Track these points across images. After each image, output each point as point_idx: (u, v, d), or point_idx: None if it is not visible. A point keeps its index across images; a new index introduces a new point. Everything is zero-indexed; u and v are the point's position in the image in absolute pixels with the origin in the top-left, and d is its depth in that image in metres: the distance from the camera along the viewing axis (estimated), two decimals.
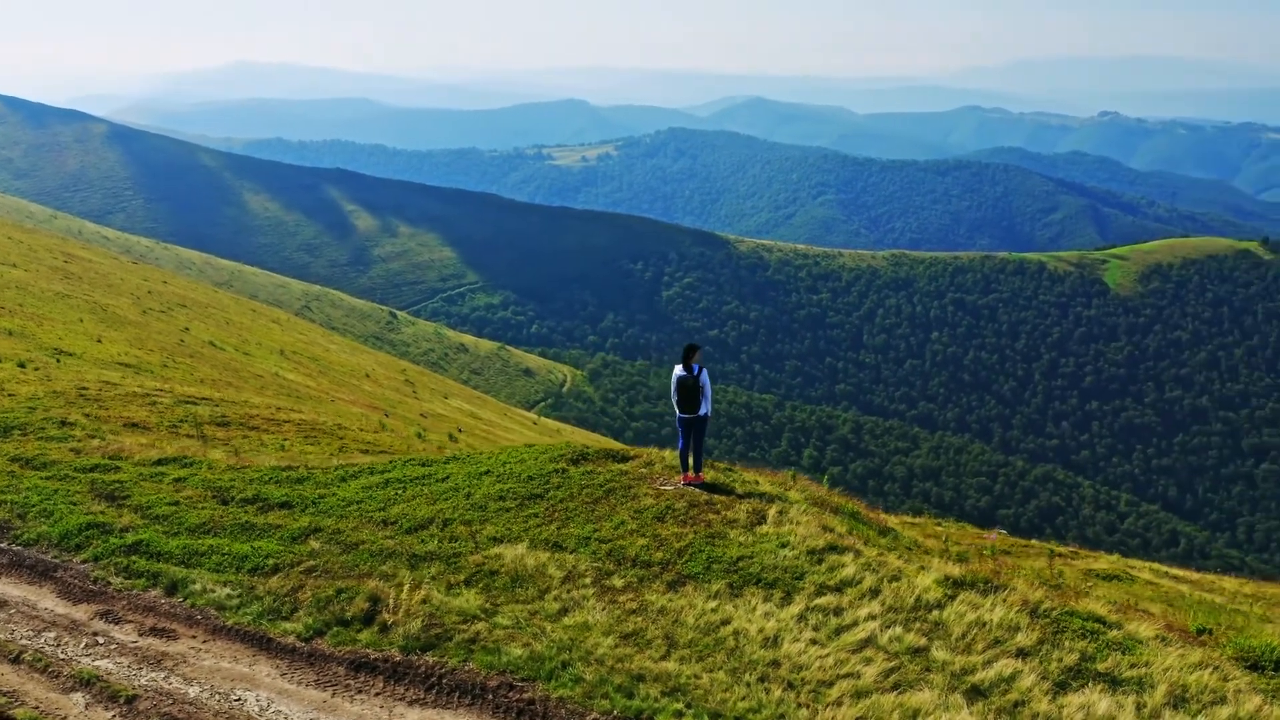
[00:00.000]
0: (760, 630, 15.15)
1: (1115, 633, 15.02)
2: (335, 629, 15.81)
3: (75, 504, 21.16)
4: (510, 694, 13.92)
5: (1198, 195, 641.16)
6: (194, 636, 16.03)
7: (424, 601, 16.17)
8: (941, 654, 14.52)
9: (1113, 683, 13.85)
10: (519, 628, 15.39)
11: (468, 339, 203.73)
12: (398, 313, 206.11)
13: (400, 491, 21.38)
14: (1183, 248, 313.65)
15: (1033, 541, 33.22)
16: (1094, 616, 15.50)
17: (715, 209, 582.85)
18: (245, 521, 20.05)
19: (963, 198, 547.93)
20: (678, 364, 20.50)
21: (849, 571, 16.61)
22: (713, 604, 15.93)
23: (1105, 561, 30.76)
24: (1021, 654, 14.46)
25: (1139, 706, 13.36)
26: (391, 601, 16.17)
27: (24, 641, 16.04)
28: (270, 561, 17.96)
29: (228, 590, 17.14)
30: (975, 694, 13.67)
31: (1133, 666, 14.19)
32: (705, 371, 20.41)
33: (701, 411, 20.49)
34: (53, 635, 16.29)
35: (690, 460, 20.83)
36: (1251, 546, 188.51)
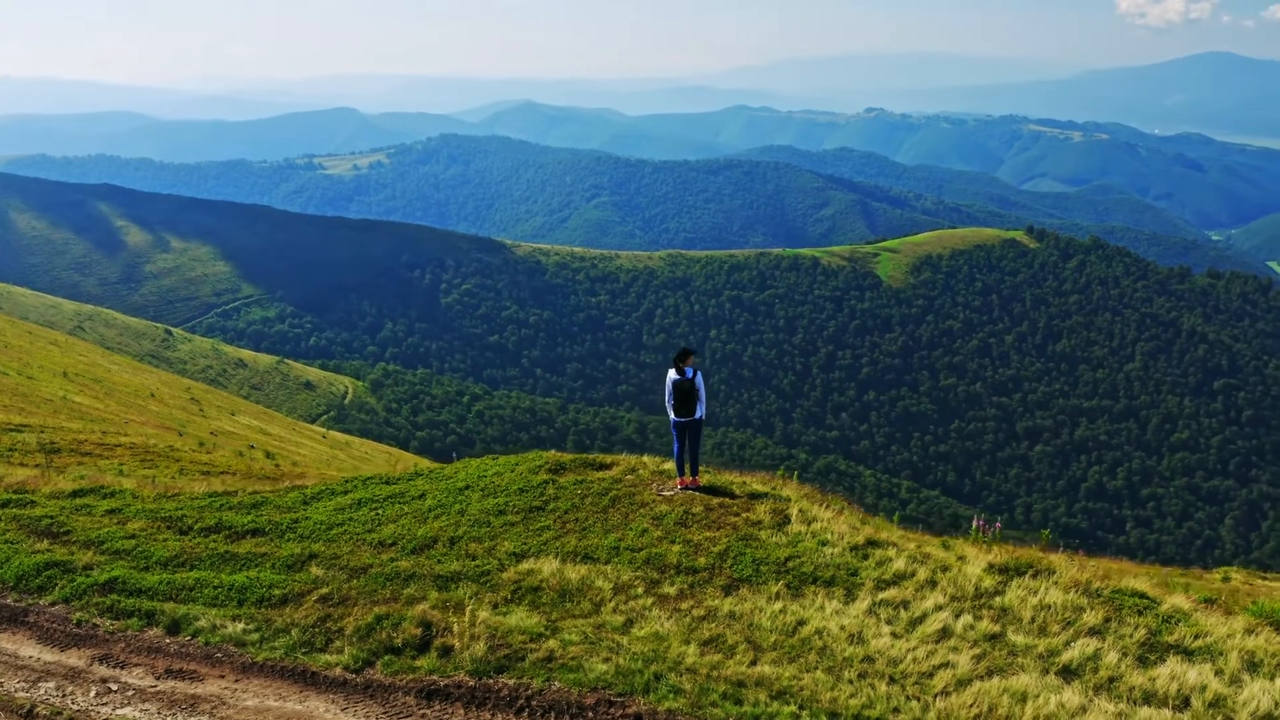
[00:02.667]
0: (842, 628, 15.31)
1: (1163, 607, 15.76)
2: (386, 657, 15.18)
3: (14, 543, 20.10)
4: (612, 710, 13.52)
5: (963, 187, 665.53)
6: (222, 676, 15.23)
7: (481, 623, 15.71)
8: (1019, 638, 14.97)
9: (1186, 654, 14.53)
10: (591, 643, 15.08)
11: (246, 354, 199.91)
12: (173, 330, 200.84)
13: (379, 512, 20.96)
14: (951, 239, 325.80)
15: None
16: (1138, 593, 16.17)
17: (490, 214, 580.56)
18: (224, 551, 19.27)
19: (735, 196, 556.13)
20: (670, 369, 20.52)
21: (900, 565, 16.97)
22: (778, 605, 15.99)
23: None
24: (1095, 633, 15.00)
25: (1218, 673, 13.99)
26: (454, 626, 15.64)
27: (22, 695, 15.02)
28: (276, 592, 17.26)
29: (242, 625, 16.36)
30: (1068, 674, 14.10)
31: (1196, 638, 14.88)
32: (700, 374, 20.45)
33: (697, 414, 20.52)
34: (52, 685, 15.31)
35: (686, 464, 20.84)
36: (1030, 527, 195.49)
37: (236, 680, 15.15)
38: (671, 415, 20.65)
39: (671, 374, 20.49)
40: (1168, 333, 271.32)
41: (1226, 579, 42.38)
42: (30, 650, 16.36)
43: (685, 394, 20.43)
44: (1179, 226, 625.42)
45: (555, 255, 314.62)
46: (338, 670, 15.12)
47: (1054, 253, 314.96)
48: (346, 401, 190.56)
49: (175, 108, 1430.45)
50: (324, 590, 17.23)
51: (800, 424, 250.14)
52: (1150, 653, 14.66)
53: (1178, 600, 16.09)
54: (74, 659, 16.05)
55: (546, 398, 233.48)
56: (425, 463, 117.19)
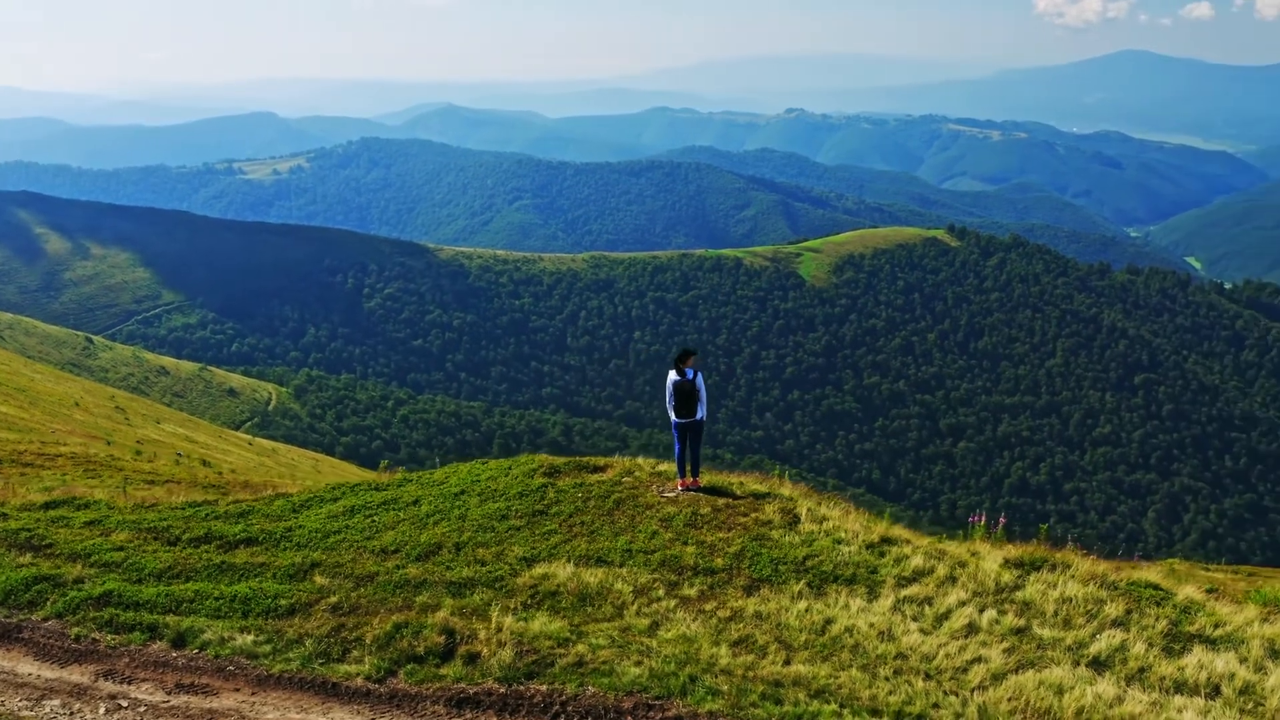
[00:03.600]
0: (871, 625, 15.32)
1: (1178, 598, 16.00)
2: (409, 666, 14.92)
3: None
4: (651, 714, 13.38)
5: (884, 187, 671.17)
6: (237, 690, 14.86)
7: (506, 629, 15.49)
8: (1045, 631, 15.10)
9: (1209, 643, 14.76)
10: (620, 646, 14.88)
11: (168, 361, 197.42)
12: (94, 338, 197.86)
13: (374, 519, 20.63)
14: (873, 238, 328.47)
15: None
16: (1152, 585, 16.40)
17: (412, 218, 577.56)
18: (220, 562, 18.85)
19: (657, 197, 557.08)
20: (670, 370, 20.46)
21: (918, 562, 17.05)
22: (803, 604, 15.99)
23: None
24: (1118, 624, 15.19)
25: (1243, 661, 14.26)
26: (479, 632, 15.40)
27: (27, 713, 14.57)
28: (283, 602, 16.87)
29: (252, 636, 15.97)
30: (1099, 665, 14.25)
31: (1217, 627, 15.15)
32: (700, 375, 20.42)
33: (698, 415, 20.43)
34: (58, 702, 14.85)
35: (687, 465, 20.73)
36: (955, 524, 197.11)
37: (253, 693, 14.83)
38: (672, 417, 20.58)
39: (672, 375, 20.43)
40: (1088, 329, 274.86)
41: (1172, 571, 42.73)
42: (28, 667, 15.89)
43: (686, 395, 20.38)
44: (1098, 224, 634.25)
45: (478, 258, 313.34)
46: (359, 680, 14.81)
47: (975, 251, 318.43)
48: (270, 408, 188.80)
49: (92, 113, 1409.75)
50: (332, 599, 16.91)
51: (725, 424, 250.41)
52: (1174, 643, 14.83)
53: (1190, 591, 16.30)
54: (77, 675, 15.59)
55: (471, 401, 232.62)
56: (351, 468, 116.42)
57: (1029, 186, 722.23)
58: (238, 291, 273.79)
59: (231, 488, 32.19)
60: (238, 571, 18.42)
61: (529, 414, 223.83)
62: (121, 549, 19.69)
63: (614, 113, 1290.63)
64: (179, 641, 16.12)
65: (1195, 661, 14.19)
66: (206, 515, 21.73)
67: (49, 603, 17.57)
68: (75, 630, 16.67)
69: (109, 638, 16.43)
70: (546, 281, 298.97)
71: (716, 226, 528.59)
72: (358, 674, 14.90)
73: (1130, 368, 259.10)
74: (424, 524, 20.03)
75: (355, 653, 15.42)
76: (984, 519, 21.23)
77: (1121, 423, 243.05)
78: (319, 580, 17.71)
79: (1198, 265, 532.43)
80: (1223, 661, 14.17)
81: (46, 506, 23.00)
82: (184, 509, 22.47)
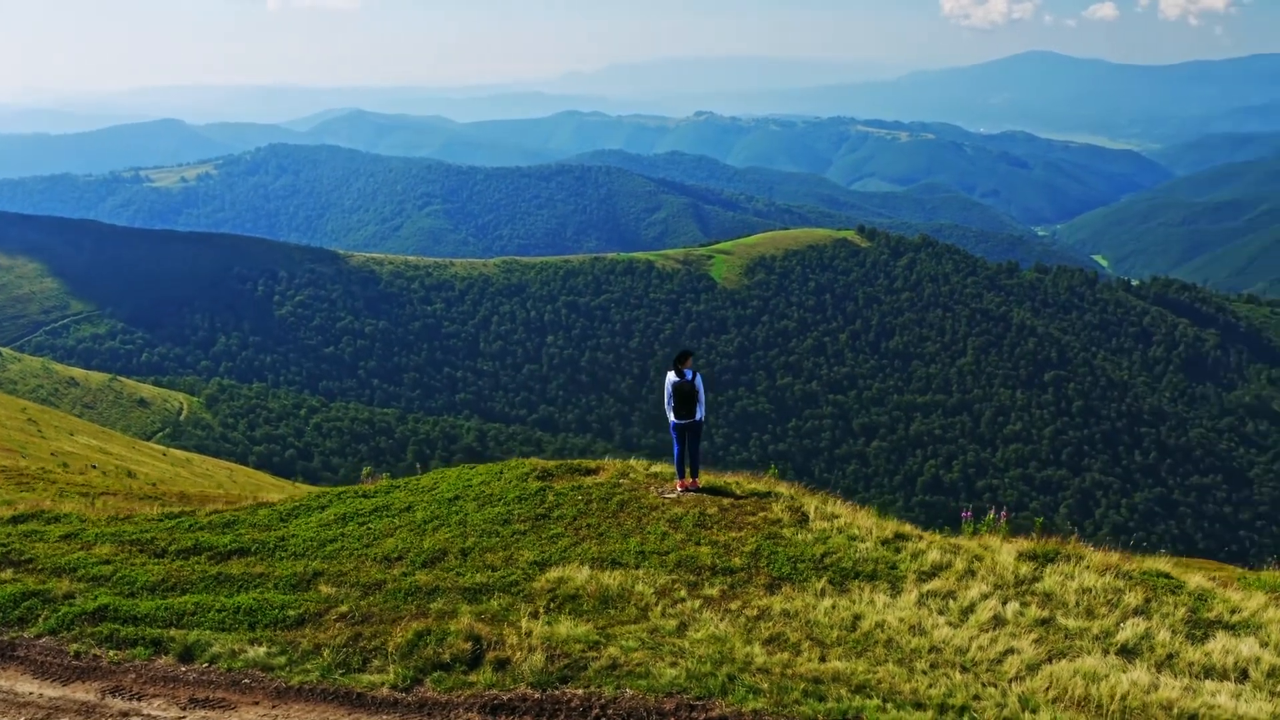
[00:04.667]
0: (901, 620, 15.38)
1: (1190, 586, 16.23)
2: (436, 674, 14.65)
3: None
4: (694, 714, 13.24)
5: (793, 189, 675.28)
6: (256, 703, 14.49)
7: (531, 634, 15.28)
8: (1070, 622, 15.26)
9: (1229, 628, 15.04)
10: (652, 648, 14.76)
11: (78, 372, 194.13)
12: (2, 349, 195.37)
13: (369, 526, 20.30)
14: (784, 240, 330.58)
15: None
16: (1162, 574, 16.65)
17: (322, 224, 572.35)
18: (217, 573, 18.42)
19: (568, 201, 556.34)
20: (669, 371, 20.52)
21: (935, 556, 17.18)
22: (828, 602, 16.01)
23: None
24: (1139, 613, 15.40)
25: (1264, 644, 14.54)
26: (507, 638, 15.15)
27: None
28: (291, 612, 16.54)
29: (264, 648, 15.60)
30: (1127, 653, 14.44)
31: (1233, 613, 15.43)
32: (699, 376, 20.48)
33: (697, 416, 20.51)
34: None
35: (686, 466, 20.81)
36: None
37: (274, 706, 14.47)
38: (671, 418, 20.60)
39: (671, 376, 20.45)
40: (998, 327, 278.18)
41: None
42: (28, 686, 15.40)
43: (686, 396, 20.43)
44: (1005, 223, 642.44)
45: (389, 264, 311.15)
46: (384, 690, 14.54)
47: (885, 251, 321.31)
48: (182, 418, 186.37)
49: None
50: (342, 608, 16.62)
51: (639, 427, 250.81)
52: (1196, 629, 15.08)
53: (1199, 579, 16.56)
54: (82, 693, 15.12)
55: (384, 408, 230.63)
56: (266, 477, 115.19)
57: (937, 187, 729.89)
58: (147, 300, 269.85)
59: (169, 499, 31.57)
60: (236, 582, 18.05)
61: (443, 420, 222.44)
62: (109, 562, 19.22)
63: (523, 117, 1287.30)
64: (186, 655, 15.78)
65: (1220, 647, 14.39)
66: (190, 526, 21.31)
67: (40, 619, 17.12)
68: (74, 647, 16.22)
69: (111, 653, 15.99)
70: (458, 287, 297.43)
71: (628, 230, 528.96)
72: (382, 683, 14.66)
73: (1040, 365, 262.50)
74: (423, 530, 19.75)
75: (377, 662, 15.17)
76: (971, 515, 21.19)
77: (1032, 419, 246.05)
78: (324, 589, 17.40)
79: (1105, 263, 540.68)
80: (1246, 646, 14.38)
81: (15, 520, 22.43)
82: (162, 520, 21.95)
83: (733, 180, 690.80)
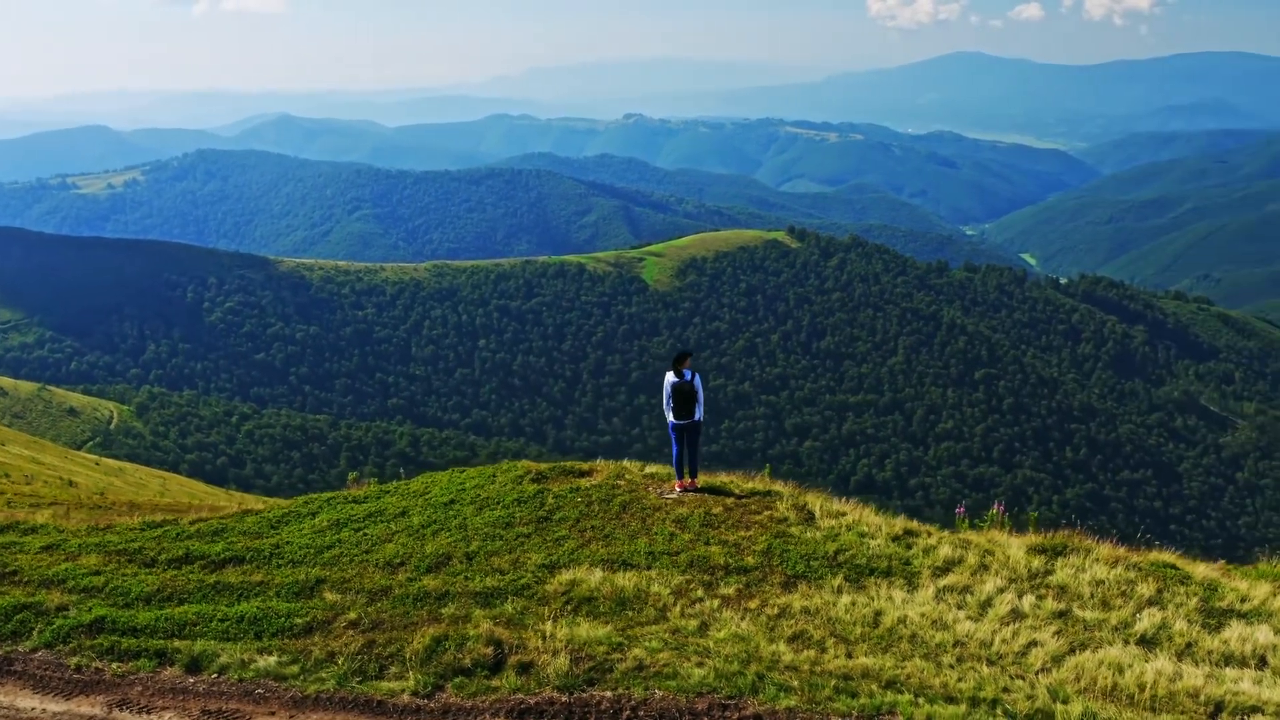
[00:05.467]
0: (922, 615, 15.46)
1: (1198, 576, 16.44)
2: (458, 680, 14.52)
3: None
4: (727, 714, 13.20)
5: (723, 190, 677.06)
6: (272, 714, 14.27)
7: (553, 637, 15.19)
8: (1087, 613, 15.39)
9: (1242, 617, 15.22)
10: (676, 649, 14.71)
11: (6, 381, 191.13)
12: None
13: (365, 532, 20.07)
14: (715, 241, 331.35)
15: None
16: (1169, 564, 16.83)
17: (250, 230, 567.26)
18: (214, 582, 18.15)
19: (497, 205, 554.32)
20: (668, 372, 20.47)
21: (946, 552, 17.32)
22: (847, 598, 16.04)
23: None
24: (1154, 603, 15.56)
25: (1277, 631, 14.77)
26: (529, 641, 15.04)
27: None
28: (297, 621, 16.30)
29: (275, 658, 15.38)
30: (1147, 643, 14.60)
31: (1244, 601, 15.63)
32: (698, 376, 20.53)
33: (696, 417, 20.56)
34: None
35: (685, 467, 20.91)
36: None
37: (291, 716, 14.28)
38: (670, 418, 20.66)
39: (670, 377, 20.44)
40: (929, 326, 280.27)
41: None
42: (30, 701, 15.07)
43: (685, 396, 20.47)
44: (934, 223, 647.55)
45: (319, 270, 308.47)
46: (405, 697, 14.39)
47: (815, 252, 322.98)
48: (112, 427, 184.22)
49: None
50: (350, 615, 16.40)
51: (573, 430, 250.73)
52: (1210, 618, 15.27)
53: (1205, 569, 16.82)
54: (87, 707, 14.81)
55: (317, 415, 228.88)
56: (199, 485, 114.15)
57: (866, 187, 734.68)
58: (75, 308, 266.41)
59: (118, 508, 31.30)
60: (235, 591, 17.79)
61: (375, 425, 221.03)
62: (99, 573, 18.88)
63: (452, 120, 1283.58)
64: (193, 666, 15.53)
65: (1236, 635, 14.61)
66: (177, 535, 20.96)
67: (35, 632, 16.80)
68: (74, 660, 15.92)
69: (114, 666, 15.74)
70: (389, 291, 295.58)
71: (558, 233, 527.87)
72: (402, 690, 14.51)
73: (970, 363, 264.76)
74: (422, 535, 19.61)
75: (394, 668, 15.02)
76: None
77: (964, 417, 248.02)
78: (329, 597, 17.19)
79: (1033, 261, 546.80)
80: (1262, 634, 14.60)
81: None
82: (145, 530, 21.60)
83: (663, 182, 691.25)
